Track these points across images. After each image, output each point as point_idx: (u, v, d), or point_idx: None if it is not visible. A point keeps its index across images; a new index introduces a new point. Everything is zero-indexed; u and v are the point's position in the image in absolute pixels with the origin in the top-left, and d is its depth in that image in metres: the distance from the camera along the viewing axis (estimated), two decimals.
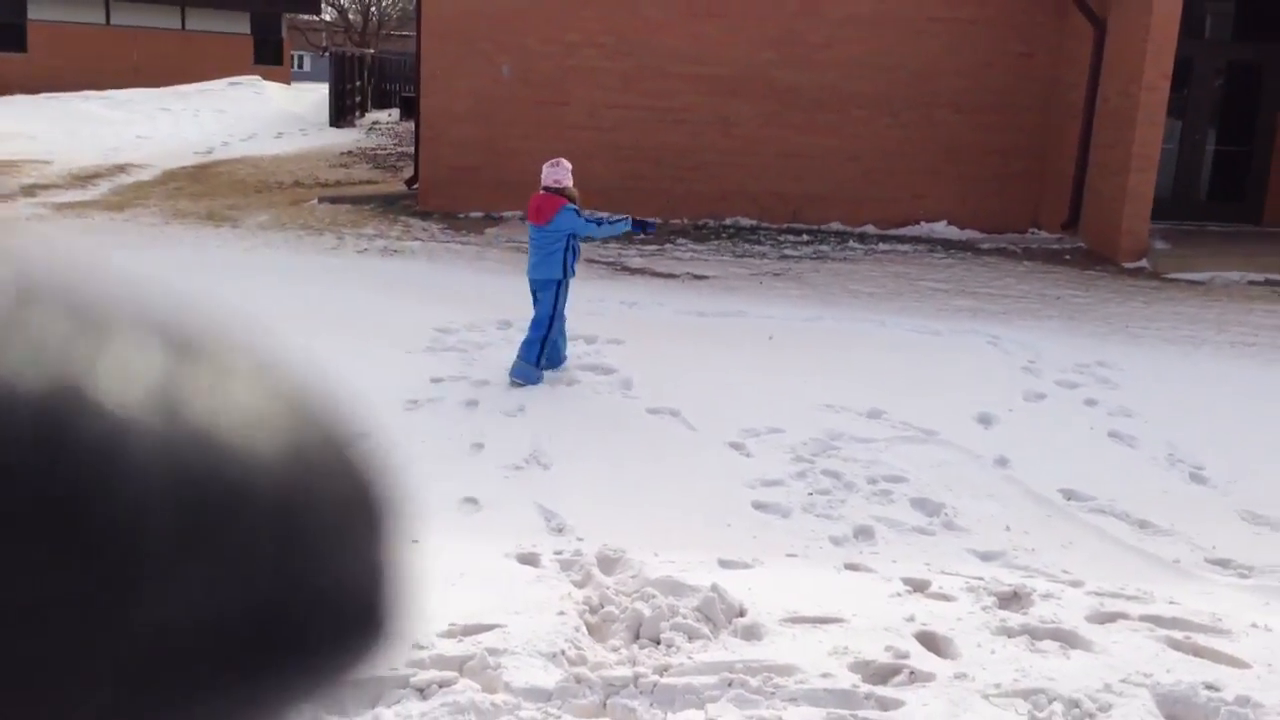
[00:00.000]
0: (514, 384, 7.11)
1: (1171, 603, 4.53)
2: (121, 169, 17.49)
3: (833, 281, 11.13)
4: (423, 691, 3.55)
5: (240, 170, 18.02)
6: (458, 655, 3.74)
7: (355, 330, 7.91)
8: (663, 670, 3.76)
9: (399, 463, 0.39)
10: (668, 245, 12.58)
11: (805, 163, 14.32)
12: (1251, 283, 11.84)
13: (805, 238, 13.63)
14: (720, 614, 4.13)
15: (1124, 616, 4.36)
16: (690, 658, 3.85)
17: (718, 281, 10.91)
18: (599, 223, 7.19)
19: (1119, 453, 6.66)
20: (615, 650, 3.93)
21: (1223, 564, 5.20)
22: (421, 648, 3.75)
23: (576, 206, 7.14)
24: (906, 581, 4.62)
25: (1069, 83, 13.91)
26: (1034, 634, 4.16)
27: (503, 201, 13.85)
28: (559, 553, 4.67)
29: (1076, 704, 3.66)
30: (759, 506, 5.59)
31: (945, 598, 4.47)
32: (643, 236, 7.69)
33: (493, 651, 3.75)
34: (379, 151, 21.49)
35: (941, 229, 14.24)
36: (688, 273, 11.25)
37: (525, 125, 14.11)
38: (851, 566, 4.87)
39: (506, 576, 4.41)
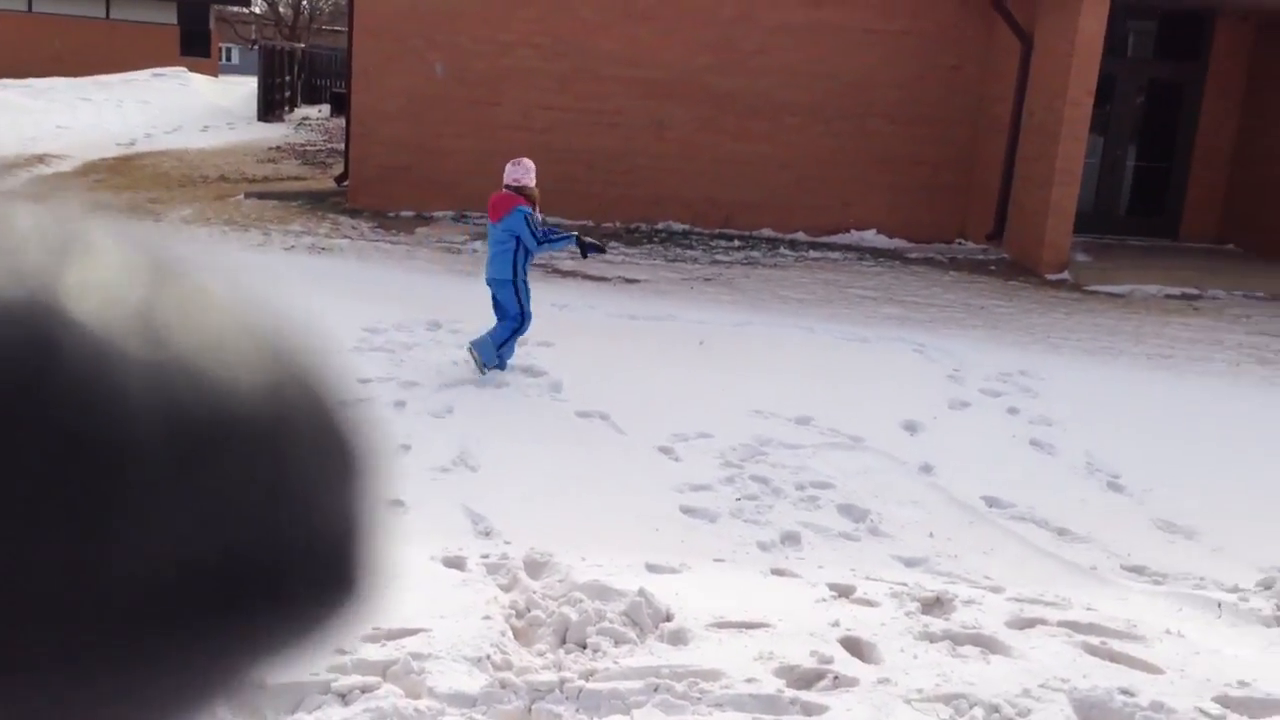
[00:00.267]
0: (469, 353, 7.28)
1: (1089, 609, 4.62)
2: (40, 159, 17.07)
3: (763, 287, 11.20)
4: (344, 697, 3.50)
5: (164, 163, 17.67)
6: (381, 660, 3.69)
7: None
8: (589, 675, 3.75)
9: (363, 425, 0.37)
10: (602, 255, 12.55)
11: (738, 169, 14.40)
12: (1169, 296, 12.14)
13: (737, 243, 13.71)
14: (647, 618, 4.13)
15: (1043, 622, 4.44)
16: (616, 662, 3.84)
17: (649, 285, 10.92)
18: (542, 237, 7.25)
19: (1039, 461, 6.78)
20: (541, 655, 3.91)
21: (1138, 571, 5.31)
22: (343, 652, 3.69)
23: (530, 209, 7.21)
24: (832, 587, 4.66)
25: (996, 97, 14.16)
26: (956, 639, 4.22)
27: (434, 201, 13.74)
28: (485, 556, 4.64)
29: (997, 709, 3.72)
30: (687, 511, 5.60)
31: (870, 603, 4.51)
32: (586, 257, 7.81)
33: (416, 656, 3.70)
34: (308, 148, 21.21)
35: (871, 237, 14.41)
36: (619, 276, 11.25)
37: (458, 125, 14.02)
38: (778, 572, 4.89)
39: (432, 580, 4.36)
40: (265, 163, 18.46)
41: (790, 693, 3.74)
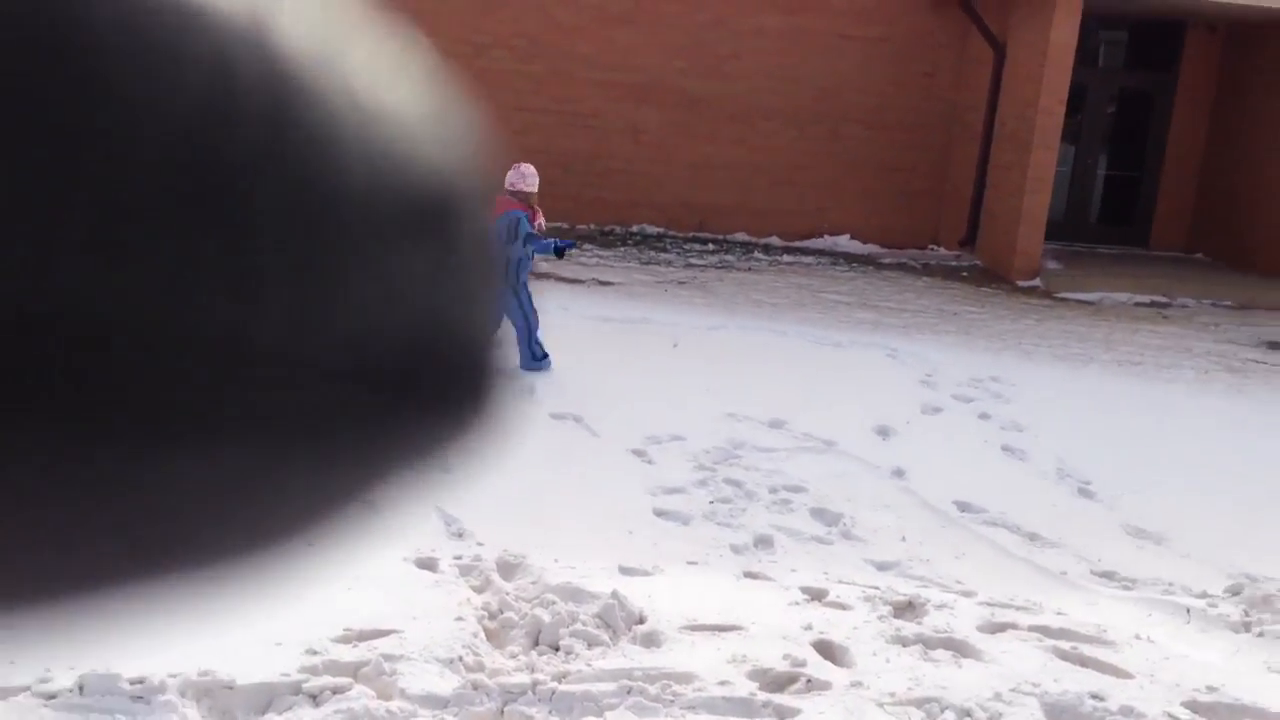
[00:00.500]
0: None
1: (1059, 613, 4.65)
2: None
3: (737, 291, 11.22)
4: (315, 698, 3.47)
5: None
6: (352, 661, 3.67)
7: None
8: (561, 677, 3.73)
9: None
10: (574, 251, 12.54)
11: (712, 173, 14.42)
12: (1138, 304, 12.24)
13: (711, 247, 13.72)
14: (620, 621, 4.12)
15: (1014, 627, 4.46)
16: (589, 665, 3.83)
17: (623, 288, 10.92)
18: (525, 239, 7.33)
19: (1011, 466, 6.82)
20: (514, 657, 3.89)
21: (1108, 576, 5.34)
22: (315, 653, 3.67)
23: (525, 214, 7.31)
24: (805, 590, 4.66)
25: (969, 104, 14.24)
26: (927, 643, 4.23)
27: None
28: (458, 557, 4.62)
29: (968, 713, 3.73)
30: (660, 514, 5.60)
31: (842, 607, 4.52)
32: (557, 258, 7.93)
33: (388, 657, 3.68)
34: None
35: (844, 242, 14.46)
36: (593, 278, 11.23)
37: None
38: (751, 575, 4.89)
39: (404, 581, 4.34)
40: None
41: (763, 695, 3.74)
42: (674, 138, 14.39)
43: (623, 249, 13.14)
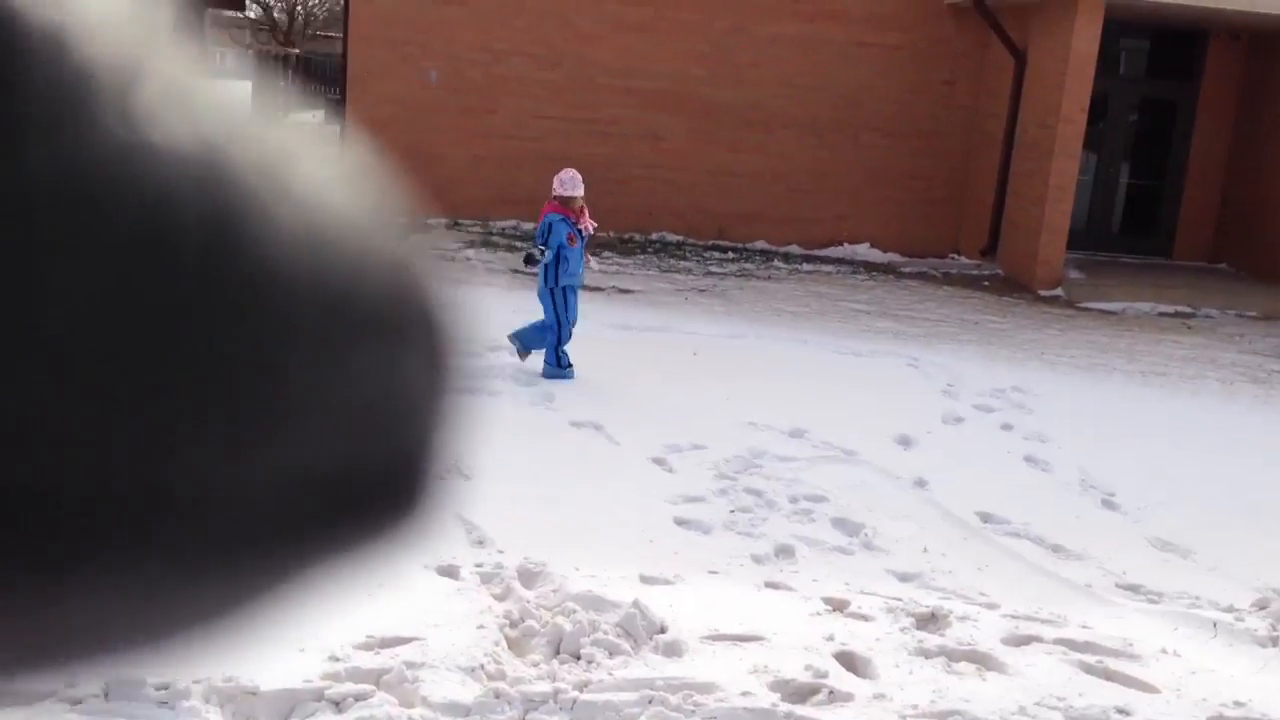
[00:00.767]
0: (510, 340, 7.66)
1: (1084, 627, 4.61)
2: None
3: (757, 300, 11.20)
4: (338, 704, 3.47)
5: None
6: (374, 668, 3.66)
7: None
8: (583, 686, 3.72)
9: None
10: (593, 259, 12.54)
11: (732, 180, 14.41)
12: (1162, 314, 12.17)
13: (730, 255, 13.70)
14: (641, 630, 4.10)
15: (1038, 640, 4.42)
16: (610, 674, 3.81)
17: (642, 296, 10.91)
18: (545, 243, 7.57)
19: (1034, 477, 6.77)
20: (535, 665, 3.88)
21: (1133, 589, 5.30)
22: (337, 659, 3.66)
23: (559, 217, 7.51)
24: (826, 601, 4.64)
25: (989, 112, 14.20)
26: (950, 655, 4.20)
27: (427, 208, 13.71)
28: (479, 565, 4.61)
29: None
30: (681, 523, 5.58)
31: (864, 618, 4.50)
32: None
33: (410, 665, 3.67)
34: None
35: (864, 251, 14.42)
36: (613, 286, 11.23)
37: (452, 132, 14.00)
38: (772, 585, 4.87)
39: (425, 588, 4.33)
40: None
41: (785, 707, 3.72)
42: (693, 145, 14.39)
43: (642, 257, 13.13)
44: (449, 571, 4.52)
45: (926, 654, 4.20)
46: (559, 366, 7.62)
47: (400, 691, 3.56)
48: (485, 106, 14.12)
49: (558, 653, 3.97)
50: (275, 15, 49.63)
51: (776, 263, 13.50)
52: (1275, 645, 4.59)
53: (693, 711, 3.64)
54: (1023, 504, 6.22)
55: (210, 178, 0.27)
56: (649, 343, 8.90)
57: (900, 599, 4.73)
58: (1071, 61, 12.36)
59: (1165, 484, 6.67)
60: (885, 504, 6.04)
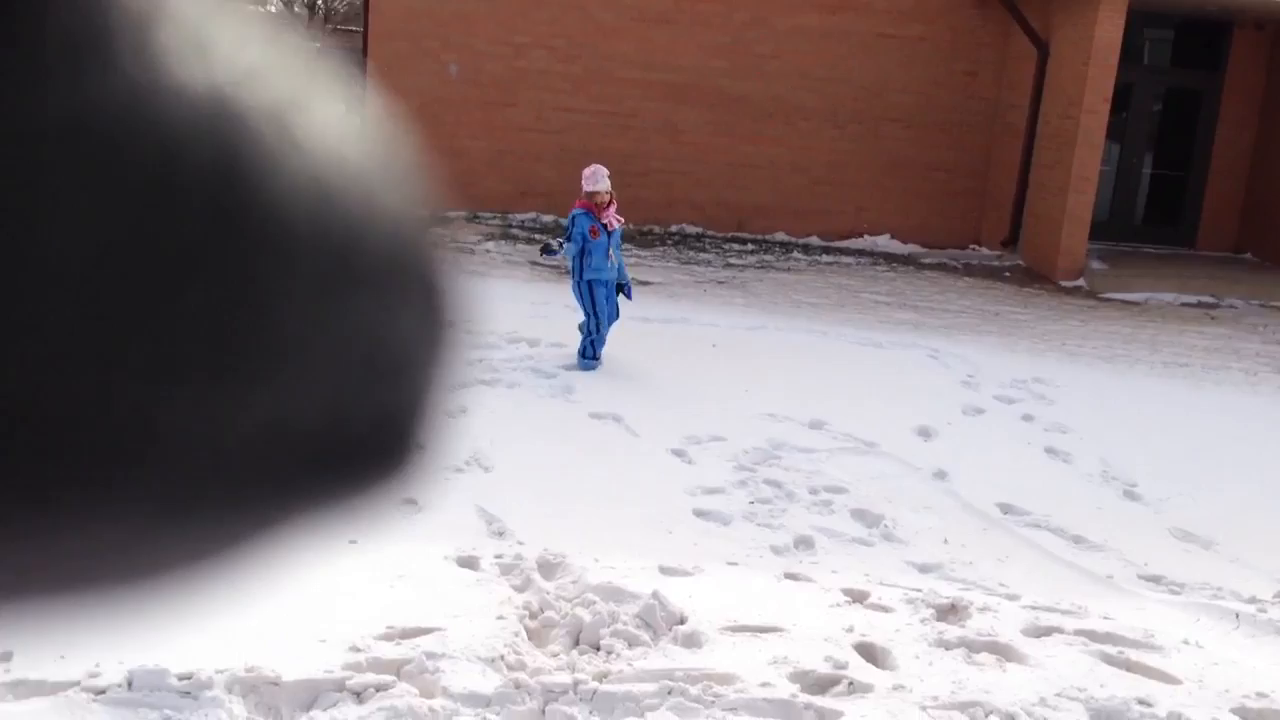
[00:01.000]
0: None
1: (1105, 618, 4.59)
2: None
3: (776, 291, 11.18)
4: (359, 695, 3.49)
5: None
6: (395, 658, 3.68)
7: None
8: (602, 677, 3.73)
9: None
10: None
11: (752, 172, 14.38)
12: (1185, 305, 12.08)
13: (750, 247, 13.68)
14: (661, 621, 4.11)
15: (1059, 631, 4.41)
16: (630, 665, 3.82)
17: (662, 288, 10.90)
18: (567, 237, 7.74)
19: (1055, 468, 6.74)
20: (555, 656, 3.89)
21: (1155, 580, 5.27)
22: (358, 650, 3.69)
23: (584, 212, 7.63)
24: (846, 592, 4.63)
25: (1011, 103, 14.11)
26: (971, 647, 4.19)
27: (447, 201, 13.73)
28: (499, 556, 4.62)
29: (1013, 717, 3.69)
30: (700, 514, 5.58)
31: (884, 609, 4.49)
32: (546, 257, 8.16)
33: (431, 655, 3.69)
34: None
35: (885, 242, 14.37)
36: (632, 278, 11.21)
37: (472, 126, 14.01)
38: (791, 576, 4.87)
39: (446, 579, 4.35)
40: None
41: (805, 698, 3.72)
42: (713, 137, 14.36)
43: (661, 249, 13.12)
44: (469, 562, 4.54)
45: (946, 645, 4.19)
46: (583, 357, 7.72)
47: (421, 682, 3.58)
48: (505, 100, 14.13)
49: (577, 643, 3.99)
50: (296, 9, 49.78)
51: (796, 254, 13.47)
52: None
53: (712, 702, 3.64)
54: (1044, 495, 6.20)
55: (224, 119, 0.28)
56: (668, 334, 8.90)
57: (920, 590, 4.72)
58: (1094, 52, 12.28)
59: (1187, 475, 6.63)
60: (905, 495, 6.03)
